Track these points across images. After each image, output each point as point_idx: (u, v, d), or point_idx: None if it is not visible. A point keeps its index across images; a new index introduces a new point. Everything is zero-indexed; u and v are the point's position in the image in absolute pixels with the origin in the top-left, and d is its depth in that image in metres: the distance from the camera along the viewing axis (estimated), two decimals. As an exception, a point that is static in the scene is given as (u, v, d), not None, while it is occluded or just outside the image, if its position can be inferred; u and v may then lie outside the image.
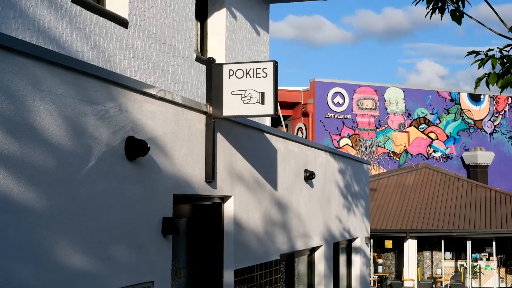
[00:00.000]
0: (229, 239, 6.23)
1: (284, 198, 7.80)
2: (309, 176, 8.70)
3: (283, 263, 8.04)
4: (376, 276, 32.74)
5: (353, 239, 11.95)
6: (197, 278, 6.03)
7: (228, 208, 6.26)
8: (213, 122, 5.85)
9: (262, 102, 5.86)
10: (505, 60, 6.60)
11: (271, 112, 5.85)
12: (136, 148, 4.64)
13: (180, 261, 5.75)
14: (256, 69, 5.88)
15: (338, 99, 41.42)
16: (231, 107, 5.86)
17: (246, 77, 5.87)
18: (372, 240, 31.37)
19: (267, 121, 12.42)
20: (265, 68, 5.88)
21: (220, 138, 6.05)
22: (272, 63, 5.91)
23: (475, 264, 32.75)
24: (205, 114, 5.79)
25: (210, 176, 5.75)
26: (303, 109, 41.02)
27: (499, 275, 33.02)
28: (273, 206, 7.43)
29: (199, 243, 6.07)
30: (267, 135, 7.36)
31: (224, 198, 6.25)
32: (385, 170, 41.25)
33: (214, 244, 6.14)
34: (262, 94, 5.86)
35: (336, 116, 41.28)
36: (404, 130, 42.79)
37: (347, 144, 41.06)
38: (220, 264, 6.12)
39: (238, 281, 6.30)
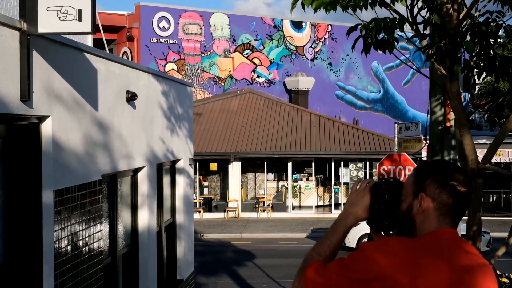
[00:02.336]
0: (48, 160, 6.12)
1: (105, 119, 7.74)
2: (131, 97, 8.66)
3: (105, 183, 8.03)
4: (202, 198, 33.53)
5: (177, 160, 12.12)
6: (15, 200, 5.90)
7: (46, 128, 6.13)
8: (28, 40, 5.64)
9: (79, 19, 5.72)
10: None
11: (89, 29, 5.73)
12: None
13: (-4, 182, 5.60)
14: (73, -16, 5.70)
15: (163, 23, 41.01)
16: (47, 24, 5.67)
17: (62, -7, 5.68)
18: (197, 164, 31.93)
19: (89, 42, 12.11)
20: (82, -16, 5.72)
21: (36, 56, 5.86)
22: (89, -22, 5.76)
23: (295, 184, 34.39)
24: (19, 31, 5.56)
25: (26, 95, 5.58)
26: (128, 33, 40.29)
27: (317, 194, 34.95)
28: (94, 126, 7.36)
29: (16, 164, 5.92)
30: (87, 55, 7.21)
31: (41, 118, 6.10)
32: (210, 95, 41.78)
33: (31, 165, 6.01)
34: (79, 10, 5.72)
35: (161, 40, 40.95)
36: (229, 55, 43.36)
37: (172, 69, 41.02)
38: (38, 185, 6.02)
39: (58, 202, 6.24)
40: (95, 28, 5.83)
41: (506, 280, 10.84)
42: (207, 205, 33.90)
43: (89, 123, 7.23)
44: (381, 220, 2.81)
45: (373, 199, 2.82)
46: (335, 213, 32.85)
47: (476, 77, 7.09)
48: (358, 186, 2.91)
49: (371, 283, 2.47)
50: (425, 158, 14.05)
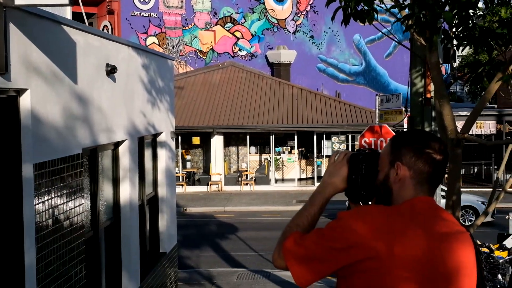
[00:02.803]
0: (27, 133, 6.08)
1: (85, 92, 7.69)
2: (110, 71, 8.60)
3: (86, 157, 8.00)
4: (185, 172, 33.53)
5: (158, 134, 12.09)
6: (-6, 173, 5.88)
7: (25, 101, 6.08)
8: (4, 12, 5.56)
9: (57, -9, 5.66)
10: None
11: (66, 1, 5.68)
12: None
13: (-25, 156, 5.56)
14: (49, -45, 5.63)
15: (144, -4, 40.65)
16: (24, -5, 5.60)
17: (38, -36, 5.61)
18: (180, 137, 31.90)
19: (68, 16, 11.99)
20: (59, -45, 5.65)
21: (13, 29, 5.79)
22: (66, -51, 5.69)
23: (278, 157, 34.45)
24: (-5, 2, 5.49)
25: (3, 68, 5.52)
26: (108, 7, 39.89)
27: (300, 167, 35.04)
28: (73, 100, 7.31)
29: (-5, 137, 5.88)
30: (65, 28, 7.13)
31: (20, 91, 6.05)
32: (192, 69, 41.59)
33: (10, 138, 5.97)
34: (56, -18, 5.66)
35: (142, 14, 40.63)
36: (211, 29, 43.12)
37: (154, 42, 40.76)
38: (18, 158, 5.99)
39: (38, 175, 6.22)
40: (72, 0, 5.77)
41: (486, 250, 10.97)
42: (190, 179, 33.91)
43: (69, 96, 7.18)
44: (358, 190, 2.83)
45: (351, 170, 2.84)
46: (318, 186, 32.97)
47: (455, 48, 7.10)
48: (336, 157, 2.92)
49: (350, 251, 2.49)
50: (406, 126, 14.12)
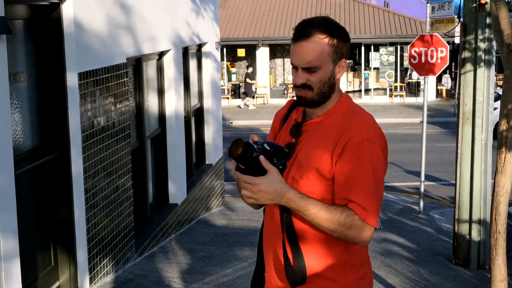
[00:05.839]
0: (70, 42, 5.98)
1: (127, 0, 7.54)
2: (153, -22, 8.40)
3: (130, 67, 7.91)
4: (230, 85, 33.43)
5: (203, 44, 11.91)
6: (39, 82, 5.83)
7: (67, 9, 5.95)
8: None
9: None
10: None
11: None
12: None
13: (19, 64, 5.50)
14: None
15: None
16: None
17: None
18: (225, 50, 31.64)
19: None
20: None
21: None
22: None
23: (324, 69, 33.97)
24: None
25: (44, -26, 5.40)
26: None
27: (347, 79, 34.62)
28: (116, 8, 7.16)
29: (39, 46, 5.80)
30: None
31: (62, -1, 5.93)
32: (237, -21, 40.80)
33: (54, 47, 5.89)
34: None
35: None
36: None
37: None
38: (62, 67, 5.92)
39: (83, 84, 6.15)
40: None
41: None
42: (236, 91, 33.82)
43: (111, 4, 7.04)
44: (273, 159, 2.73)
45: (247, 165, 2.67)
46: (365, 99, 32.60)
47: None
48: (242, 191, 2.69)
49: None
50: (458, 38, 13.67)
